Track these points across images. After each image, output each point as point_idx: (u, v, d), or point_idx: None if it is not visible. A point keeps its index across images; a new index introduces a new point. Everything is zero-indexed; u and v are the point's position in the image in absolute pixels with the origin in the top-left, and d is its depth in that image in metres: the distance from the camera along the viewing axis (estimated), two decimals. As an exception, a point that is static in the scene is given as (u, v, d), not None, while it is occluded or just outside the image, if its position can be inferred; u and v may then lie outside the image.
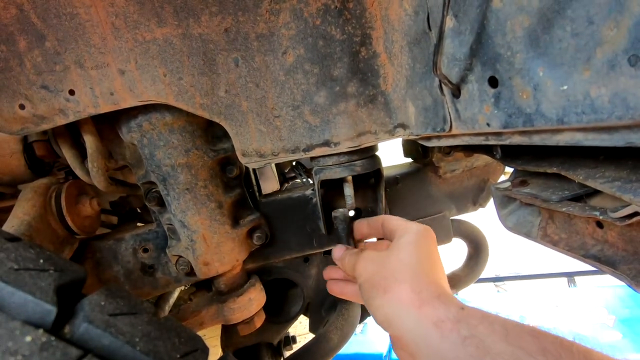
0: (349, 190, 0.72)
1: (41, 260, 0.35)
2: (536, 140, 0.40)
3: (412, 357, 0.48)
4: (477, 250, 1.16)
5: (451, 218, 1.02)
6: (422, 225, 0.59)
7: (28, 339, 0.28)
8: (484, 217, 1.20)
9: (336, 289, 0.70)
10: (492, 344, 0.38)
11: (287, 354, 1.18)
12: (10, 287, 0.30)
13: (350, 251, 0.63)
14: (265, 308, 0.95)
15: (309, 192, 0.87)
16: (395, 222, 0.61)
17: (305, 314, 1.14)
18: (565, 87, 0.31)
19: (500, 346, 0.37)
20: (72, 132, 0.74)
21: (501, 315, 0.42)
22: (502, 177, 1.01)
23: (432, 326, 0.43)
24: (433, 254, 0.55)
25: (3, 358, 0.28)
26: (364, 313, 1.11)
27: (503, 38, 0.36)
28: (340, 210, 0.71)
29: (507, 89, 0.38)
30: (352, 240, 0.70)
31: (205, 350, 0.41)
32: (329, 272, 0.72)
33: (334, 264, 0.68)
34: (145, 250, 0.85)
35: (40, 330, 0.29)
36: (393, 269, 0.51)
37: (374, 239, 0.74)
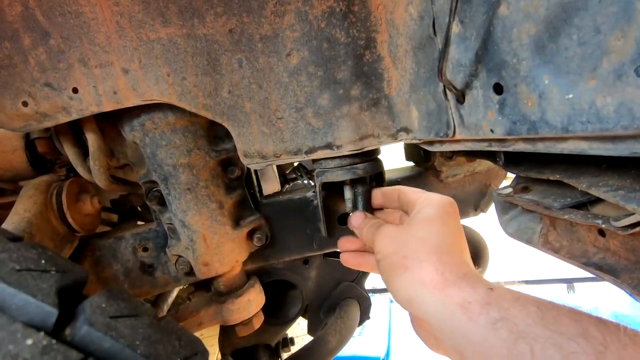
0: (348, 193, 0.72)
1: (43, 261, 0.35)
2: (540, 147, 0.40)
3: (435, 339, 0.46)
4: (477, 255, 1.16)
5: (452, 222, 1.02)
6: (444, 197, 0.54)
7: (29, 342, 0.27)
8: (485, 222, 1.20)
9: (352, 261, 0.66)
10: (526, 328, 0.34)
11: (285, 355, 1.18)
12: (12, 288, 0.30)
13: (369, 221, 0.60)
14: (264, 309, 0.95)
15: (310, 194, 0.87)
16: (412, 194, 0.57)
17: (303, 316, 1.13)
18: (570, 96, 0.31)
19: (535, 330, 0.34)
20: (74, 129, 0.75)
21: (535, 296, 0.38)
22: (504, 183, 1.01)
23: (458, 308, 0.39)
24: (455, 229, 0.51)
25: None
26: (363, 315, 1.11)
27: (509, 45, 0.36)
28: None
29: (512, 96, 0.37)
30: (370, 208, 0.68)
31: (205, 354, 0.41)
32: (343, 244, 0.69)
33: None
34: (145, 249, 0.85)
35: (42, 333, 0.29)
36: (414, 247, 0.48)
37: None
